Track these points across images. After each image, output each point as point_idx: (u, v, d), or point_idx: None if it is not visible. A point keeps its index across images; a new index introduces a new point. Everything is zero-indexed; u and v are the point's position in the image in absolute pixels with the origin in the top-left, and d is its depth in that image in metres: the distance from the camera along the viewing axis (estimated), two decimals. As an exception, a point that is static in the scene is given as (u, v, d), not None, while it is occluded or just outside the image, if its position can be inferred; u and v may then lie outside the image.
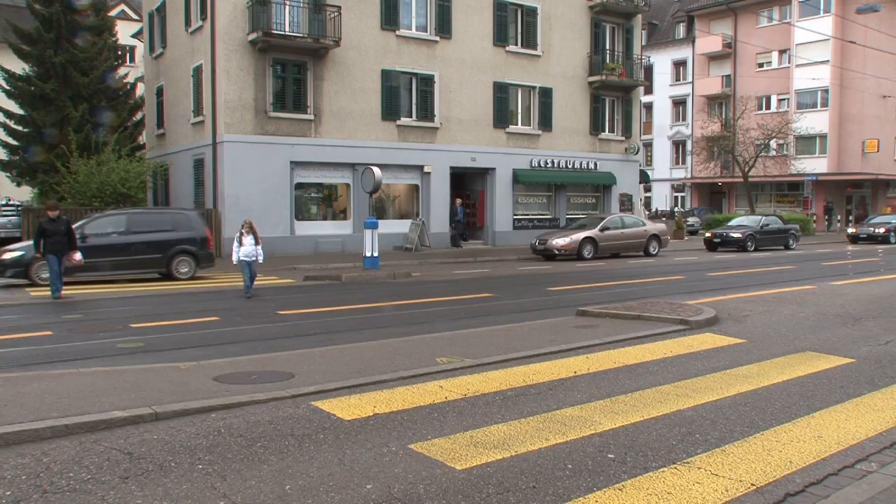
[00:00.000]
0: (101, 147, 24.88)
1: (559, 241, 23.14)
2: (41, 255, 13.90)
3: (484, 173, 28.61)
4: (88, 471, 4.49)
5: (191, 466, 4.58)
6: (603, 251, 23.72)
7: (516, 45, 28.77)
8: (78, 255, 14.16)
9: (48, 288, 13.68)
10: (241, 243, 13.63)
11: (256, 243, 13.67)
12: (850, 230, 34.82)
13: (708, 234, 29.04)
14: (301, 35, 23.34)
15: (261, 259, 13.79)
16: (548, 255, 23.27)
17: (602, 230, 23.79)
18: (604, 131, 31.65)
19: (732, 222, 30.68)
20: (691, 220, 41.89)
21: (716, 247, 27.92)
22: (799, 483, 4.31)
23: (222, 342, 9.28)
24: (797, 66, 44.60)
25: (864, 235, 33.20)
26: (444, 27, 26.76)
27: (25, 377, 6.81)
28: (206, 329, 10.32)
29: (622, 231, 24.41)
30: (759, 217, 30.53)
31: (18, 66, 28.87)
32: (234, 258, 13.63)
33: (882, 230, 33.05)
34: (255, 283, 14.10)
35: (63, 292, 13.75)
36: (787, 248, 29.08)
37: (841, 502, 4.02)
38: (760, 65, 47.28)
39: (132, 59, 43.39)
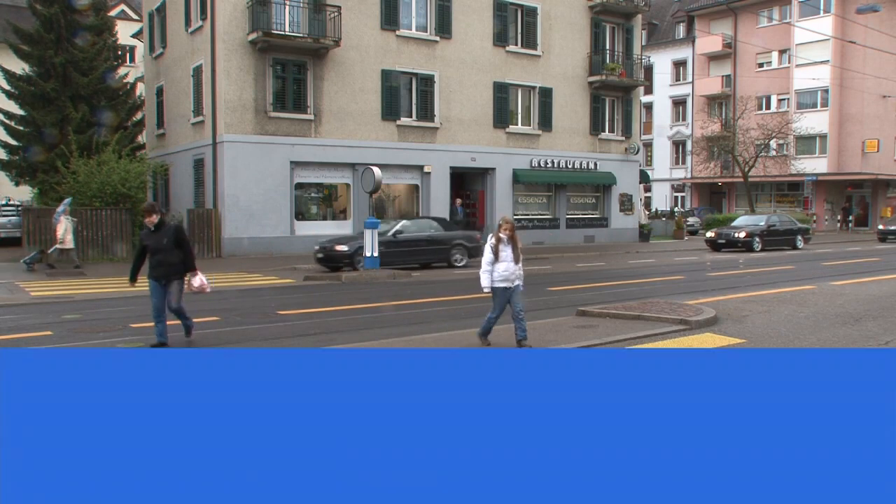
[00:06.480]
0: (102, 147, 24.87)
1: None
2: (135, 281, 8.79)
3: (484, 173, 28.61)
4: (88, 471, 4.47)
5: (191, 466, 4.56)
6: None
7: (516, 45, 28.78)
8: (198, 281, 8.72)
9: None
10: (496, 257, 7.88)
11: (517, 259, 7.97)
12: (709, 234, 27.94)
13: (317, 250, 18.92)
14: (301, 35, 23.34)
15: (522, 284, 8.20)
16: None
17: None
18: (604, 131, 31.65)
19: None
20: (691, 220, 41.90)
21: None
22: (799, 483, 4.30)
23: (222, 342, 9.28)
24: (797, 66, 44.60)
25: (724, 241, 26.76)
26: (444, 27, 26.76)
27: (25, 377, 6.80)
28: (206, 329, 10.31)
29: None
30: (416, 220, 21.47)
31: (18, 66, 28.88)
32: (485, 283, 7.94)
33: (743, 234, 26.26)
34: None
35: (192, 335, 8.94)
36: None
37: (841, 502, 4.02)
38: (760, 65, 47.29)
39: (132, 59, 43.36)
